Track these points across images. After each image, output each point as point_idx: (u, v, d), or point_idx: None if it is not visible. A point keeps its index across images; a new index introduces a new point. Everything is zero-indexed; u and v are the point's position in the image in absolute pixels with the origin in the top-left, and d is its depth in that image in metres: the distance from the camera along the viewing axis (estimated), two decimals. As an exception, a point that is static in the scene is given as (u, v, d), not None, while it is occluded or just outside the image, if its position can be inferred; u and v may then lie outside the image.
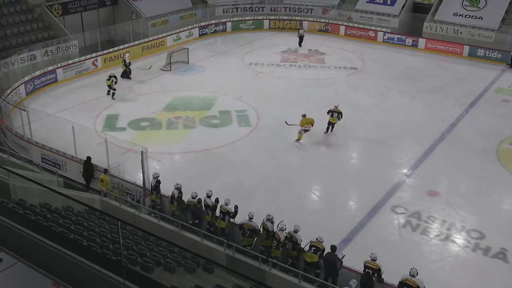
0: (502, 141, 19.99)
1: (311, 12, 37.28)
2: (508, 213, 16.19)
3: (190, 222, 13.36)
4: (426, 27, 33.76)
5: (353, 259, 11.82)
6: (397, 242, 14.21)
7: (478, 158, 18.73)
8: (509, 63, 29.53)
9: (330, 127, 20.09)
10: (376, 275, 11.37)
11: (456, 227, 14.71)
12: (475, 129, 21.13)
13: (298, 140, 19.40)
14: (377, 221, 14.99)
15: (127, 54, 26.07)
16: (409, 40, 32.75)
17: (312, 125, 19.30)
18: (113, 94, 23.00)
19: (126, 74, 25.48)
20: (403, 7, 35.18)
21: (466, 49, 31.09)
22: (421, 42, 32.41)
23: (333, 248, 11.84)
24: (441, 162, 18.48)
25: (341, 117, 19.97)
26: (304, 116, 19.28)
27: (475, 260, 13.57)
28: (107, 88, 23.06)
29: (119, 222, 8.26)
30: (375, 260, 11.44)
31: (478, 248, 13.91)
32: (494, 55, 30.38)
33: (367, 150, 19.48)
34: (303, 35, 32.43)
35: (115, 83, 23.02)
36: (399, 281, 11.06)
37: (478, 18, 32.82)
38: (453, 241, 14.21)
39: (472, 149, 19.35)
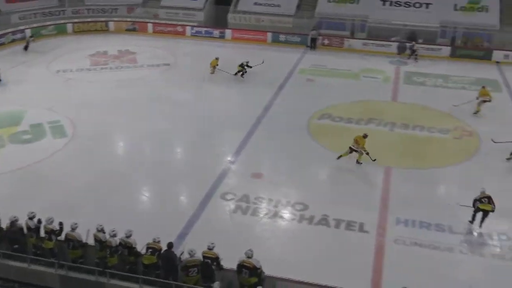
0: (311, 117, 21.71)
1: (116, 12, 36.45)
2: (325, 182, 17.74)
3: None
4: (231, 18, 35.10)
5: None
6: (230, 227, 14.67)
7: (293, 136, 20.10)
8: (308, 45, 32.12)
9: None
10: (215, 263, 11.63)
11: (282, 203, 15.65)
12: (287, 110, 22.61)
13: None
14: (209, 210, 15.32)
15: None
16: (216, 32, 33.79)
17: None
18: None
19: None
20: (206, 0, 36.09)
21: (269, 36, 33.05)
22: (228, 33, 33.66)
23: (170, 245, 11.82)
24: (261, 145, 19.49)
25: None
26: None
27: (303, 230, 14.60)
28: None
29: None
30: (212, 249, 11.69)
31: (303, 219, 14.97)
32: (294, 39, 32.74)
33: (191, 143, 19.78)
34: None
35: None
36: (237, 264, 11.44)
37: (277, 6, 35.04)
38: (281, 217, 15.10)
39: (287, 128, 20.70)
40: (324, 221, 14.85)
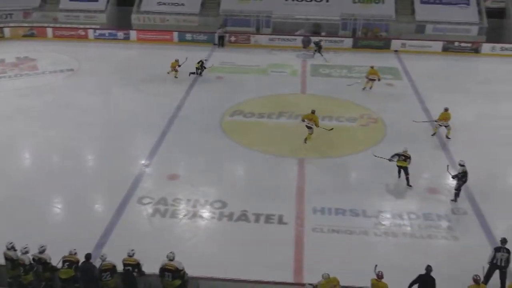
0: (223, 115, 21.79)
1: (11, 17, 34.56)
2: (241, 178, 17.90)
3: None
4: (135, 19, 34.41)
5: (115, 260, 11.59)
6: (150, 232, 14.43)
7: (206, 134, 20.07)
8: (216, 43, 32.17)
9: None
10: (136, 270, 11.41)
11: (201, 203, 15.60)
12: (198, 108, 22.53)
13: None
14: (127, 217, 14.97)
15: None
16: (120, 34, 32.97)
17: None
18: None
19: None
20: (108, 1, 35.12)
21: (176, 35, 32.75)
22: (133, 34, 32.95)
23: (88, 256, 11.46)
24: (175, 145, 19.30)
25: None
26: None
27: (223, 227, 14.65)
28: None
29: None
30: (133, 256, 11.46)
31: (223, 216, 15.01)
32: (201, 37, 32.68)
33: (103, 149, 19.21)
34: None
35: None
36: (159, 268, 11.30)
37: (181, 5, 34.76)
38: (200, 216, 15.06)
39: (199, 127, 20.63)
40: (243, 216, 14.97)
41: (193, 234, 14.36)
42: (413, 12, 34.08)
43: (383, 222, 14.95)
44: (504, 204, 16.02)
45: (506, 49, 31.52)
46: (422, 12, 33.76)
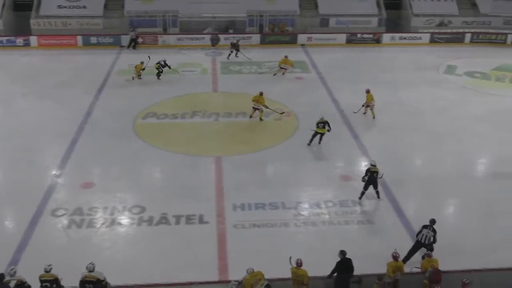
0: (136, 118, 21.34)
1: None
2: (158, 181, 17.67)
3: None
4: (34, 24, 32.79)
5: (29, 278, 11.03)
6: (67, 244, 13.86)
7: (119, 139, 19.58)
8: (123, 45, 31.40)
9: None
10: (55, 285, 10.95)
11: (118, 209, 15.19)
12: (109, 113, 21.91)
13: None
14: (41, 231, 14.28)
15: None
16: (20, 40, 31.30)
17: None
18: None
19: None
20: (3, 6, 33.25)
21: (80, 39, 31.61)
22: (33, 40, 31.39)
23: (0, 276, 10.86)
24: (87, 152, 18.66)
25: None
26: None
27: (143, 232, 14.36)
28: None
29: None
30: (50, 271, 10.98)
31: (142, 221, 14.71)
32: (106, 40, 31.76)
33: (9, 162, 18.17)
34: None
35: None
36: (80, 281, 10.92)
37: (83, 8, 33.55)
38: (119, 223, 14.66)
39: (112, 132, 20.08)
40: (164, 219, 14.76)
41: (113, 242, 13.97)
42: (316, 6, 35.04)
43: (302, 213, 15.30)
44: (413, 186, 16.92)
45: (404, 38, 33.26)
46: (325, 6, 34.77)
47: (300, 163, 17.71)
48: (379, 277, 11.36)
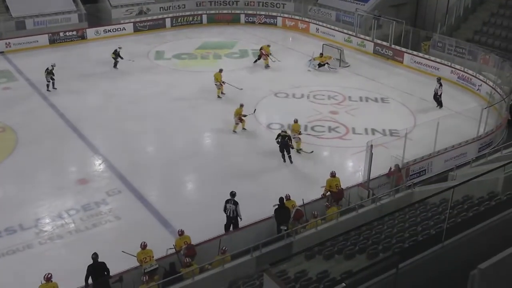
0: None
1: None
2: None
3: None
4: None
5: None
6: None
7: None
8: None
9: None
10: None
11: None
12: None
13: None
14: None
15: None
16: None
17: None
18: None
19: None
20: None
21: None
22: None
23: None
24: None
25: None
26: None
27: None
28: None
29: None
30: None
31: None
32: None
33: None
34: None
35: None
36: None
37: None
38: None
39: None
40: None
41: None
42: (7, 9, 32.30)
43: (44, 229, 14.30)
44: (151, 172, 17.29)
45: (109, 30, 33.14)
46: (17, 7, 32.31)
47: (30, 177, 16.48)
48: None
